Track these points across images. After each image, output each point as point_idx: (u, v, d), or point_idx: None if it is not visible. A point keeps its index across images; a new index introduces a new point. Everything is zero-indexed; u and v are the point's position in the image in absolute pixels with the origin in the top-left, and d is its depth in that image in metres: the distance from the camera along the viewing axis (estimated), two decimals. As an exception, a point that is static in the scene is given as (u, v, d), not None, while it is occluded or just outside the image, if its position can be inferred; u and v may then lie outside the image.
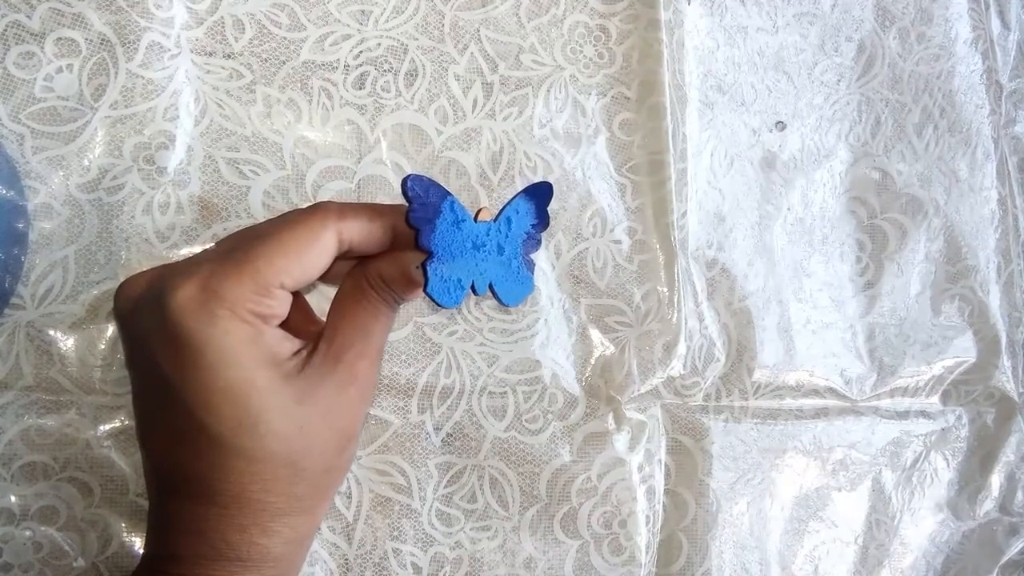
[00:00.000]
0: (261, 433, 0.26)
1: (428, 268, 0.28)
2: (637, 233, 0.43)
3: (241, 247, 0.27)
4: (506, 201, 0.31)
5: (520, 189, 0.31)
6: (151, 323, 0.27)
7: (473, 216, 0.29)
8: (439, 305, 0.29)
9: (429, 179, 0.28)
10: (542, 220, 0.32)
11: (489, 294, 0.30)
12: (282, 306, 0.28)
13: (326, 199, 0.38)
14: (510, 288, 0.31)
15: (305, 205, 0.38)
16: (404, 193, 0.27)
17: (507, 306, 0.32)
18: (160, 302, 0.26)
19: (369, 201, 0.39)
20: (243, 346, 0.26)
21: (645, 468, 0.42)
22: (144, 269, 0.31)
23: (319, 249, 0.28)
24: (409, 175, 0.27)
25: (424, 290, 0.28)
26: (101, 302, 0.35)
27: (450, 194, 0.29)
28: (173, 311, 0.26)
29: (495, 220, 0.30)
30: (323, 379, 0.28)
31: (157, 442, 0.29)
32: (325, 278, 0.31)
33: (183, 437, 0.27)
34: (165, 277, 0.28)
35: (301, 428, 0.27)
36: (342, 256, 0.29)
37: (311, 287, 0.37)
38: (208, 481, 0.27)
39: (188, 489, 0.27)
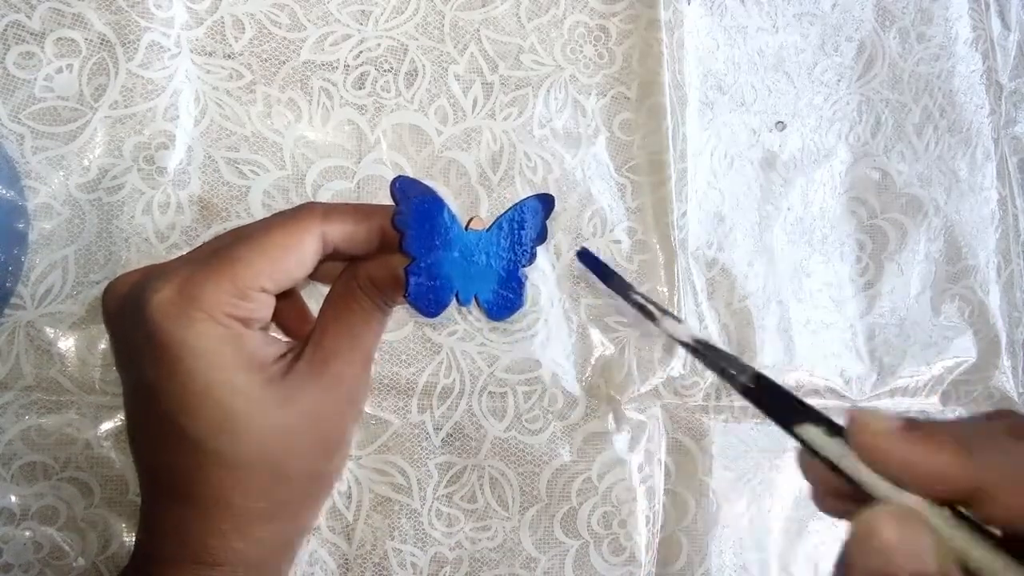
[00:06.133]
0: (241, 437, 0.26)
1: (410, 273, 0.27)
2: (637, 233, 0.43)
3: (222, 249, 0.27)
4: (505, 209, 0.30)
5: (521, 198, 0.30)
6: (133, 324, 0.27)
7: (465, 224, 0.29)
8: (420, 313, 0.28)
9: (419, 182, 0.27)
10: (539, 233, 0.30)
11: (476, 306, 0.29)
12: (263, 309, 0.27)
13: (325, 199, 0.38)
14: (497, 302, 0.30)
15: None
16: (392, 194, 0.27)
17: (492, 320, 0.30)
18: (139, 304, 0.26)
19: (369, 201, 0.39)
20: (222, 349, 0.26)
21: (645, 468, 0.42)
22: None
23: (301, 252, 0.27)
24: (399, 176, 0.27)
25: (404, 296, 0.27)
26: (101, 302, 0.35)
27: (440, 198, 0.28)
28: (151, 313, 0.26)
29: (488, 229, 0.29)
30: (308, 384, 0.28)
31: (142, 443, 0.29)
32: (318, 278, 0.31)
33: (166, 439, 0.27)
34: (148, 278, 0.27)
35: (283, 433, 0.27)
36: (329, 258, 0.29)
37: (306, 283, 0.37)
38: (188, 484, 0.27)
39: (171, 491, 0.27)
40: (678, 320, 0.25)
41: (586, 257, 0.29)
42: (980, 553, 0.19)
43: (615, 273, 0.28)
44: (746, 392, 0.23)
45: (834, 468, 0.21)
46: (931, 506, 0.20)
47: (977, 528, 0.19)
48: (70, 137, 0.35)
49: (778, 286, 0.46)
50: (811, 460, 0.22)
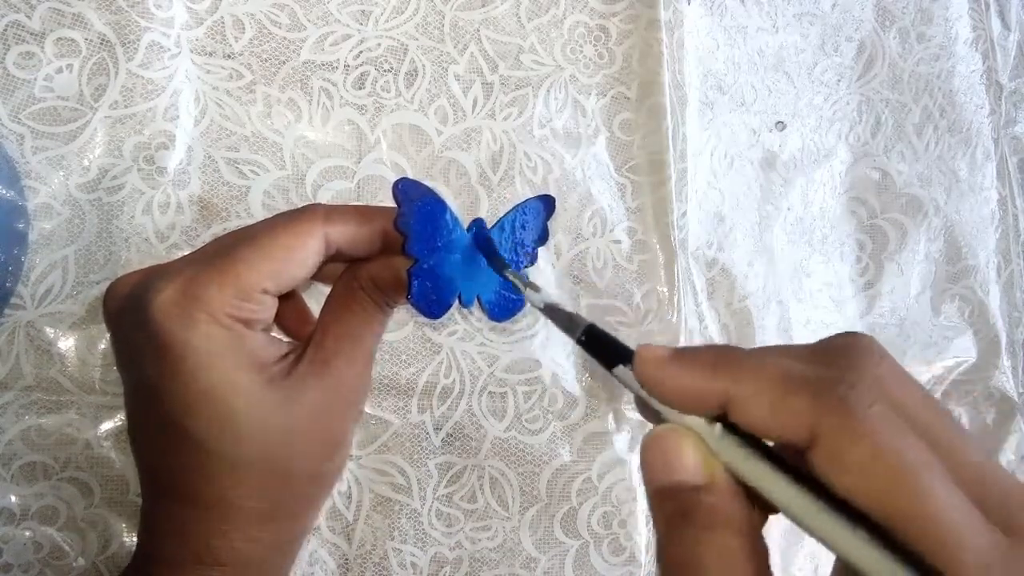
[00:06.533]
0: (242, 437, 0.26)
1: (413, 275, 0.27)
2: (637, 233, 0.43)
3: (225, 250, 0.27)
4: (505, 209, 0.30)
5: (521, 198, 0.30)
6: (135, 324, 0.27)
7: (467, 226, 0.29)
8: (423, 314, 0.28)
9: (422, 184, 0.27)
10: (540, 235, 0.31)
11: (478, 308, 0.29)
12: (265, 311, 0.28)
13: (325, 200, 0.38)
14: (499, 303, 0.30)
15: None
16: (395, 196, 0.27)
17: (494, 321, 0.31)
18: (141, 304, 0.26)
19: (369, 201, 0.39)
20: (224, 350, 0.26)
21: (645, 468, 0.42)
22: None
23: (303, 254, 0.27)
24: (401, 178, 0.27)
25: (407, 297, 0.27)
26: (101, 302, 0.35)
27: (442, 200, 0.28)
28: (153, 314, 0.26)
29: (489, 231, 0.29)
30: (310, 385, 0.28)
31: (143, 443, 0.29)
32: (319, 279, 0.31)
33: (167, 440, 0.27)
34: (150, 278, 0.27)
35: (285, 433, 0.27)
36: (331, 259, 0.29)
37: (307, 284, 0.37)
38: (190, 484, 0.27)
39: (172, 491, 0.27)
40: (536, 290, 0.27)
41: (479, 238, 0.29)
42: (741, 463, 0.20)
43: (496, 252, 0.29)
44: (580, 343, 0.25)
45: (642, 401, 0.23)
46: (706, 424, 0.21)
47: (753, 441, 0.20)
48: (70, 137, 0.35)
49: (778, 286, 0.46)
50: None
